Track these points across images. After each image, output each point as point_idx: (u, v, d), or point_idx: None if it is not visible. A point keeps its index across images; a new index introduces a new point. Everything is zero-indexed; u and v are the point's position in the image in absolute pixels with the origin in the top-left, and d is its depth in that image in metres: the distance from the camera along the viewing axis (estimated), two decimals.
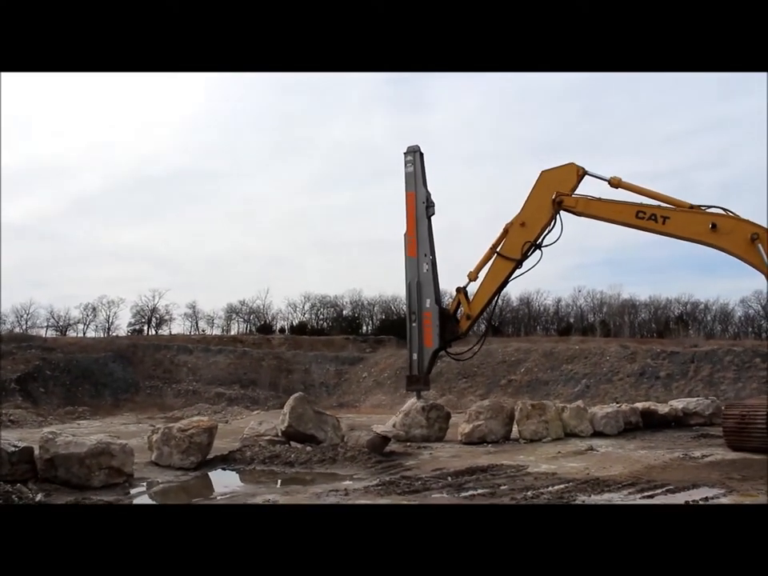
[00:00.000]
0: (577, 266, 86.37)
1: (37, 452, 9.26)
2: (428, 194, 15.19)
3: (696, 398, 17.83)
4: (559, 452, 12.41)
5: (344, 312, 67.67)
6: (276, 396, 47.67)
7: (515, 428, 14.55)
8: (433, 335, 14.55)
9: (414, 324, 14.76)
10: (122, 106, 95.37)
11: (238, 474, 10.83)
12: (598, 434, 14.81)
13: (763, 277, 12.73)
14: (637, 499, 8.18)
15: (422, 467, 10.94)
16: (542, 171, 14.34)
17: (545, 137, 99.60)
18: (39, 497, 8.20)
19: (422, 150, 15.52)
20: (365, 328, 67.15)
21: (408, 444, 13.63)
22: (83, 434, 16.54)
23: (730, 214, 13.03)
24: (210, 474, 10.81)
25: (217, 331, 61.55)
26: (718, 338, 63.03)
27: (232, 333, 61.32)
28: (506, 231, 14.49)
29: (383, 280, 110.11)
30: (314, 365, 53.89)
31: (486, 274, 14.56)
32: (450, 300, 16.27)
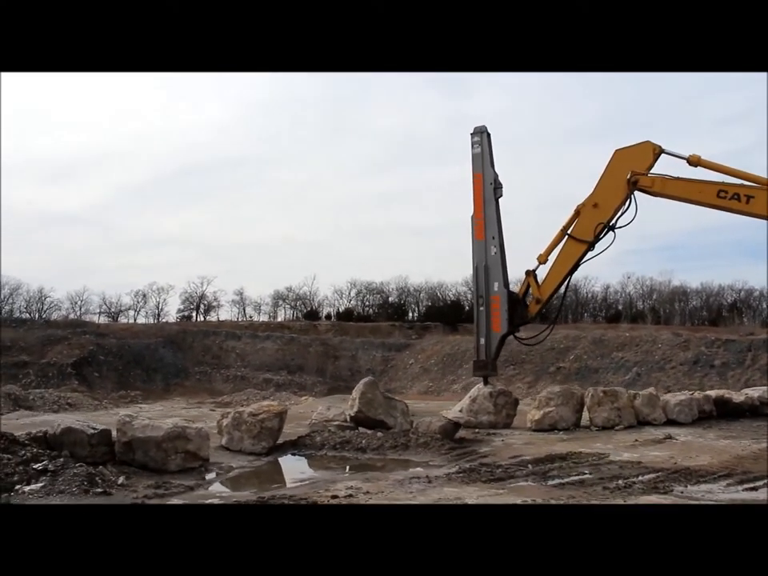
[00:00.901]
0: (625, 251, 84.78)
1: (114, 435, 9.22)
2: (496, 175, 14.81)
3: None
4: (636, 440, 11.98)
5: (390, 299, 67.48)
6: (323, 382, 47.87)
7: (585, 415, 14.14)
8: (501, 320, 14.20)
9: (481, 308, 14.42)
10: (166, 91, 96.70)
11: (309, 460, 10.68)
12: (671, 422, 14.29)
13: None
14: (739, 491, 7.77)
15: (497, 454, 10.64)
16: (616, 150, 13.83)
17: (590, 122, 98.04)
18: (121, 479, 8.13)
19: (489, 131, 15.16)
20: (411, 314, 66.90)
21: (476, 431, 13.33)
22: (152, 417, 16.74)
23: None
24: (282, 459, 10.68)
25: (264, 318, 61.85)
26: None
27: (279, 319, 61.61)
28: (577, 212, 14.03)
29: (430, 266, 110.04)
30: (361, 351, 53.91)
31: (557, 256, 14.14)
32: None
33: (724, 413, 15.58)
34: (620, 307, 72.18)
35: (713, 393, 16.24)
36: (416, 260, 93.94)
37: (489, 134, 15.11)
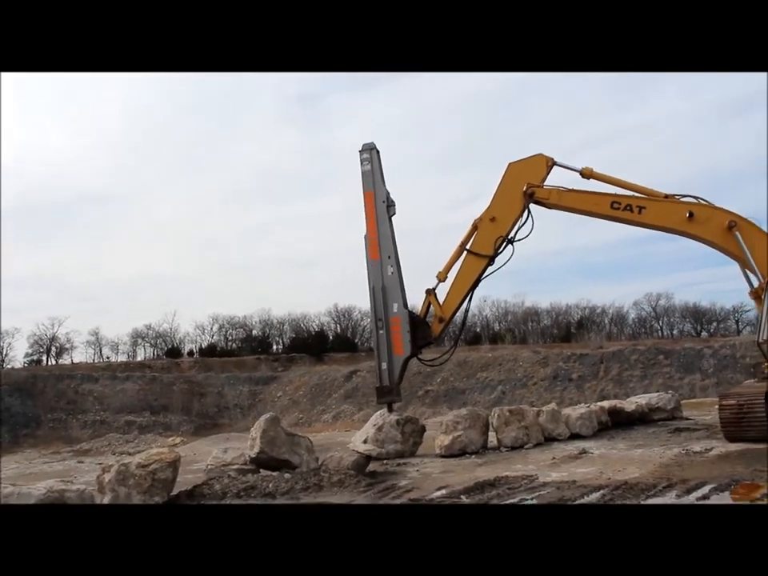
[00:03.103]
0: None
1: None
2: (388, 193, 14.17)
3: (657, 393, 17.67)
4: (553, 458, 11.59)
5: (253, 332, 65.64)
6: (189, 420, 45.33)
7: (493, 436, 13.69)
8: (403, 342, 13.48)
9: (381, 332, 13.63)
10: (23, 118, 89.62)
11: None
12: (575, 436, 14.14)
13: (738, 266, 12.55)
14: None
15: (421, 486, 9.81)
16: (510, 163, 13.66)
17: (445, 145, 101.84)
18: None
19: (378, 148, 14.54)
20: (275, 347, 65.49)
21: (384, 462, 12.47)
22: (4, 477, 14.39)
23: (703, 202, 12.78)
24: None
25: (122, 357, 58.27)
26: (615, 340, 65.56)
27: (139, 358, 58.11)
28: (474, 227, 13.70)
29: (292, 298, 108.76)
30: (227, 387, 51.72)
31: (457, 273, 13.70)
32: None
33: (618, 422, 15.76)
34: (478, 329, 74.53)
35: (606, 404, 16.42)
36: (278, 292, 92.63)
37: (378, 151, 14.49)
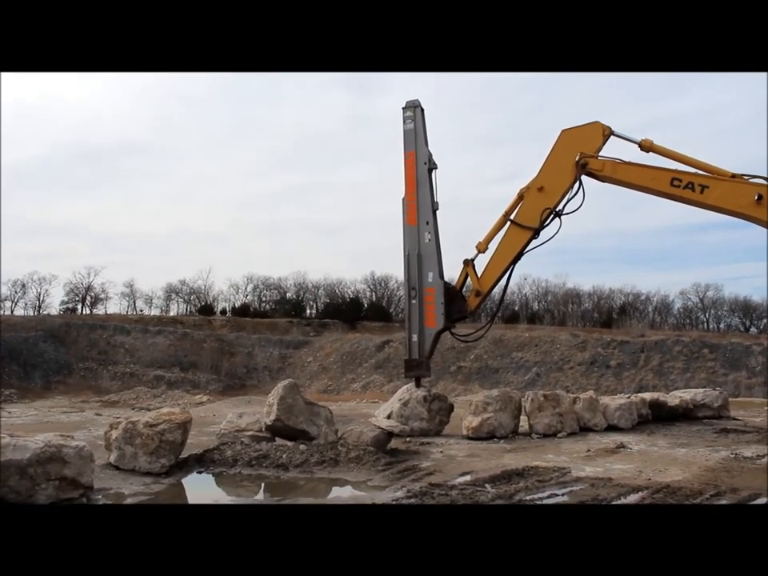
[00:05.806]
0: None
1: None
2: (430, 154, 13.30)
3: (703, 389, 16.66)
4: (588, 450, 10.81)
5: (287, 294, 65.38)
6: (218, 380, 45.35)
7: (524, 421, 12.93)
8: (436, 314, 12.72)
9: (414, 301, 12.88)
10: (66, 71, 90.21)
11: (220, 480, 8.82)
12: (611, 428, 13.29)
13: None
14: None
15: (443, 470, 9.12)
16: (563, 130, 12.68)
17: (491, 129, 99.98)
18: None
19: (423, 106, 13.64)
20: (309, 311, 65.15)
21: (408, 439, 11.82)
22: (17, 425, 14.16)
23: None
24: (187, 480, 8.73)
25: (155, 312, 58.50)
26: (658, 329, 63.58)
27: (171, 313, 58.37)
28: (520, 197, 12.77)
29: (329, 263, 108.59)
30: (257, 348, 51.58)
31: (499, 244, 12.83)
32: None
33: (658, 416, 14.85)
34: (516, 308, 73.20)
35: (647, 396, 15.48)
36: (315, 256, 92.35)
37: (422, 109, 13.62)
